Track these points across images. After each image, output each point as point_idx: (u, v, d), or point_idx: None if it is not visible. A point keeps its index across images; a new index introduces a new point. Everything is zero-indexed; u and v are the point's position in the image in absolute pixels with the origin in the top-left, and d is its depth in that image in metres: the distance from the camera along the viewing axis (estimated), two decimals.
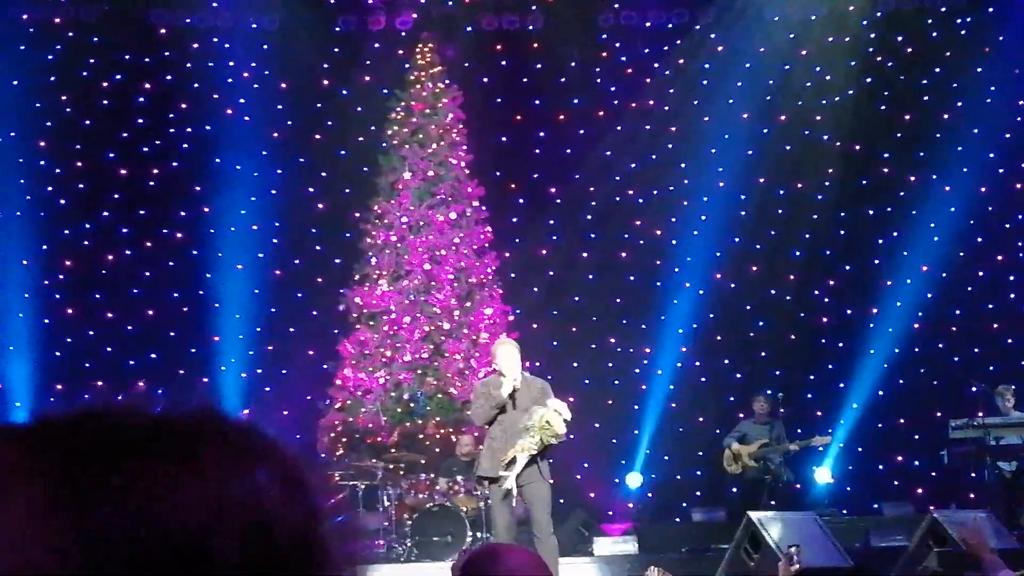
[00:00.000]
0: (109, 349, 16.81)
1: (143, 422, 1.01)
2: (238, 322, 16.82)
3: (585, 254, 18.10)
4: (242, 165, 17.36)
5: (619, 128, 18.35)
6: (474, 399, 11.01)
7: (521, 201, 18.09)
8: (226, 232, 17.16)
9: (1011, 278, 17.79)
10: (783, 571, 7.66)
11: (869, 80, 18.41)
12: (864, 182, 18.20)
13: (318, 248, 17.46)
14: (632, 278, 18.08)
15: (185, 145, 17.58)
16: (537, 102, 18.35)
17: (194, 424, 1.02)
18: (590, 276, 17.97)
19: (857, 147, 18.27)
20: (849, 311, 17.91)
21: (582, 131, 18.30)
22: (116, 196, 17.26)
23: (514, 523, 10.73)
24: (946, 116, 18.20)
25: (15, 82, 17.10)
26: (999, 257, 17.91)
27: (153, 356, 16.70)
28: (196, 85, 17.53)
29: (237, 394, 16.30)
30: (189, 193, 17.37)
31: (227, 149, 17.41)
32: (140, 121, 17.49)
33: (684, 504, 16.48)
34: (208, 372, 16.53)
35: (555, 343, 17.46)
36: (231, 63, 17.68)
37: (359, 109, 17.75)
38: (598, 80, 18.52)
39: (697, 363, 17.73)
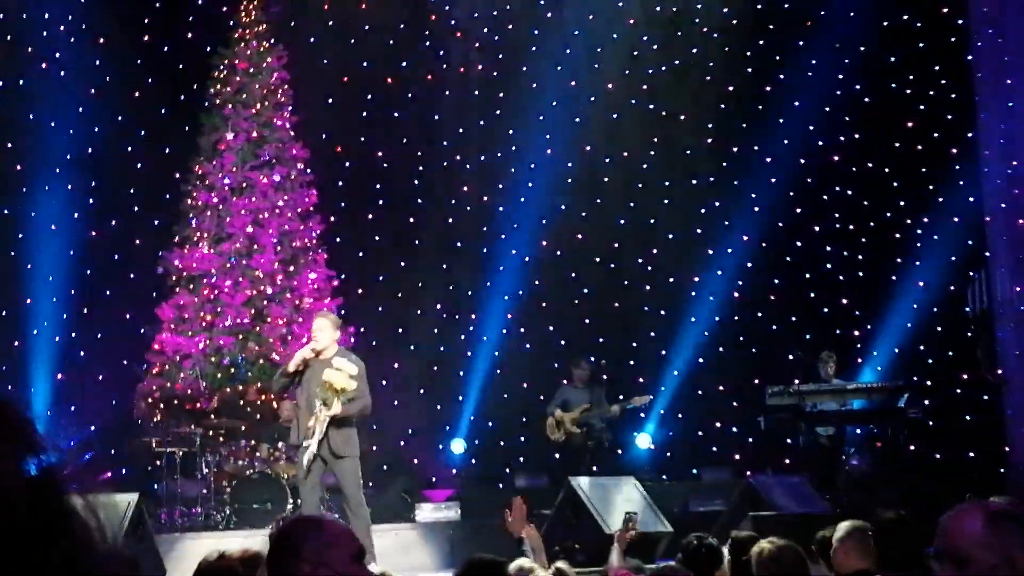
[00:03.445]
0: None
1: None
2: (51, 284, 16.23)
3: (412, 219, 17.97)
4: (57, 122, 16.73)
5: (447, 92, 18.24)
6: None
7: (347, 164, 17.85)
8: (39, 191, 16.52)
9: (827, 248, 18.20)
10: (620, 538, 7.67)
11: (695, 51, 18.62)
12: (688, 151, 18.43)
13: (136, 209, 16.95)
14: (459, 244, 18.02)
15: None
16: (365, 64, 18.11)
17: None
18: (416, 242, 17.86)
19: (681, 117, 18.46)
20: (671, 279, 18.14)
21: (410, 94, 18.16)
22: None
23: (320, 491, 10.76)
24: (768, 88, 18.52)
25: None
26: (816, 228, 18.30)
27: None
28: (8, 37, 16.83)
29: (50, 358, 15.77)
30: (1, 149, 16.68)
31: (41, 105, 16.76)
32: None
33: (507, 470, 16.54)
34: (19, 335, 15.94)
35: (380, 308, 17.33)
36: (47, 15, 17.00)
37: (181, 67, 17.27)
38: (427, 43, 18.38)
39: (522, 329, 17.78)
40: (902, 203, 18.14)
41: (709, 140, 18.49)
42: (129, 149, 17.12)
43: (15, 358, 15.62)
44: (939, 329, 17.45)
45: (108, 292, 16.55)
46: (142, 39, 17.40)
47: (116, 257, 16.73)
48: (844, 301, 17.88)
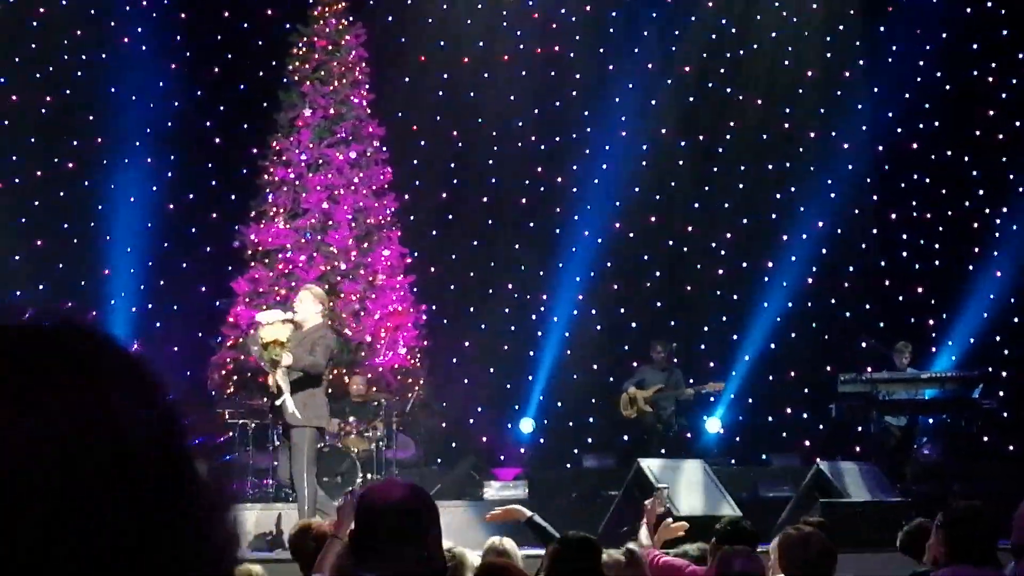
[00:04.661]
0: None
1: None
2: (129, 256, 16.48)
3: (485, 199, 18.01)
4: (137, 96, 16.97)
5: (523, 73, 18.24)
6: None
7: (422, 143, 17.91)
8: (119, 164, 16.78)
9: (903, 236, 18.03)
10: (648, 513, 7.56)
11: (773, 35, 18.49)
12: (764, 136, 18.31)
13: (213, 183, 17.16)
14: (531, 224, 18.03)
15: (79, 73, 17.12)
16: (442, 43, 18.16)
17: (52, 337, 0.93)
18: (489, 221, 17.89)
19: (759, 101, 18.35)
20: (745, 264, 18.05)
21: (486, 75, 18.16)
22: (6, 123, 16.76)
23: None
24: (847, 73, 18.36)
25: None
26: (892, 215, 18.14)
27: (41, 288, 16.30)
28: (92, 11, 17.07)
29: (127, 329, 15.98)
30: (82, 122, 16.93)
31: (122, 79, 16.99)
32: (32, 46, 16.97)
33: (575, 450, 16.56)
34: (98, 306, 16.18)
35: (452, 287, 17.42)
36: None
37: (260, 43, 17.43)
38: (504, 24, 18.37)
39: (593, 311, 17.75)
40: (981, 192, 17.93)
41: (785, 125, 18.36)
42: (207, 124, 17.33)
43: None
44: (1016, 320, 17.24)
45: (184, 265, 16.77)
46: (222, 15, 17.58)
47: (193, 230, 16.97)
48: (919, 290, 17.70)
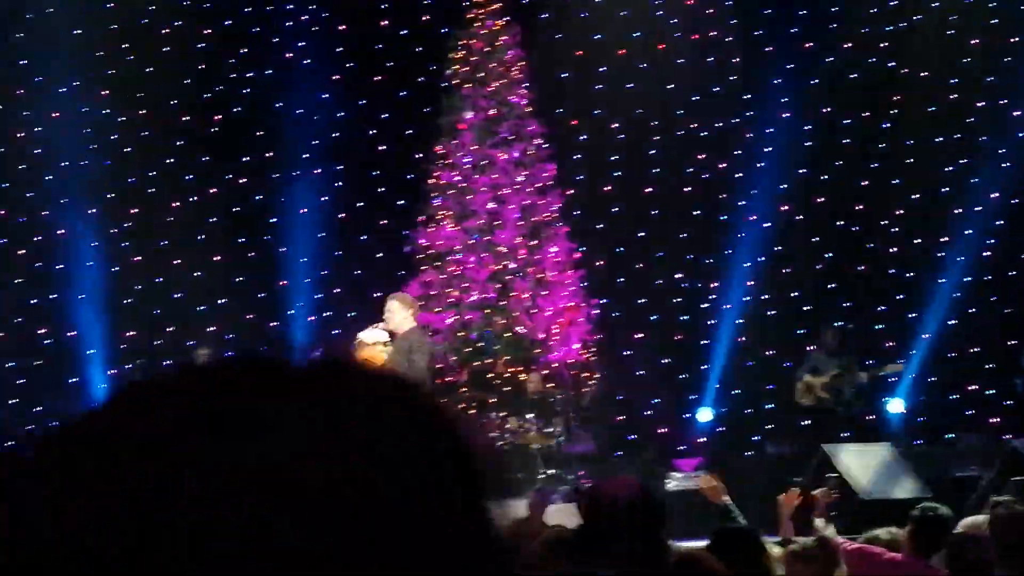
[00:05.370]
0: (177, 295, 16.89)
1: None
2: (304, 266, 16.88)
3: (649, 189, 17.96)
4: (303, 109, 17.36)
5: (680, 61, 18.15)
6: None
7: (584, 138, 17.95)
8: (289, 177, 17.19)
9: None
10: (820, 501, 7.43)
11: (936, 4, 18.08)
12: (932, 109, 17.91)
13: (381, 190, 17.45)
14: (697, 212, 17.92)
15: (246, 90, 17.58)
16: (597, 37, 18.17)
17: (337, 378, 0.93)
18: (654, 212, 17.84)
19: (924, 73, 17.96)
20: (918, 240, 17.68)
21: (643, 65, 18.11)
22: (179, 143, 17.26)
23: None
24: (1015, 39, 17.85)
25: (76, 32, 17.13)
26: None
27: (221, 302, 16.78)
28: (255, 29, 17.51)
29: (306, 338, 16.37)
30: (251, 138, 17.39)
31: (288, 93, 17.41)
32: (200, 67, 17.48)
33: (756, 437, 16.42)
34: (276, 317, 16.62)
35: (621, 280, 17.41)
36: (289, 6, 17.66)
37: (418, 49, 17.66)
38: (658, 12, 18.30)
39: (765, 296, 17.59)
40: None
41: (952, 96, 17.93)
42: (372, 132, 17.61)
43: (273, 339, 16.25)
44: None
45: (358, 272, 17.06)
46: (380, 25, 17.85)
47: (364, 238, 17.25)
48: None
